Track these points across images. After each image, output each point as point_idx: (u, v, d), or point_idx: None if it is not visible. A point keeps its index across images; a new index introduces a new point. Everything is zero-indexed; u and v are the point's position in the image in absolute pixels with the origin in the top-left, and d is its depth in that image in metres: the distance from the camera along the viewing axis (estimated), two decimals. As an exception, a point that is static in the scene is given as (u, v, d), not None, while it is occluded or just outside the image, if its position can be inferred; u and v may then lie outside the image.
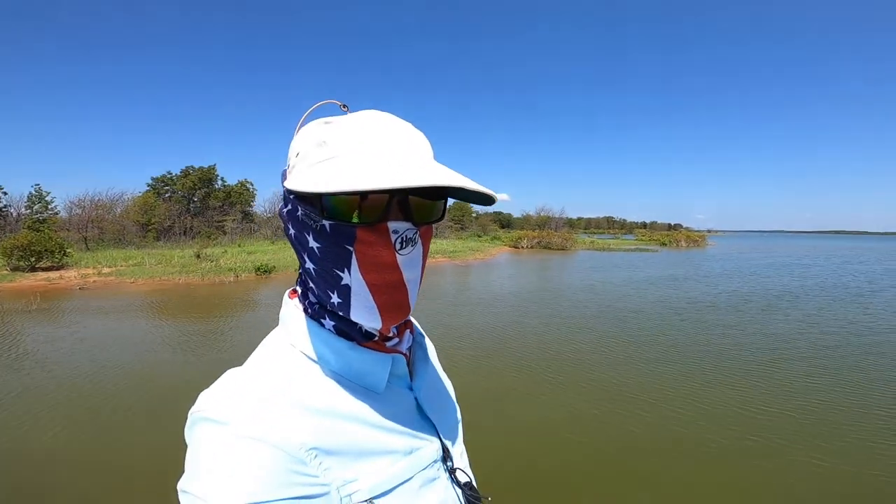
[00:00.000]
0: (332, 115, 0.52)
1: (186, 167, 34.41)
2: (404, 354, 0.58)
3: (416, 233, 0.49)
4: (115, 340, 7.21)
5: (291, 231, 0.53)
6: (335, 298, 0.50)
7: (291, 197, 0.51)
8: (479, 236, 43.04)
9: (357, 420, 0.50)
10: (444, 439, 0.59)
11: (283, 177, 0.53)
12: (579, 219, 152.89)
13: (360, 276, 0.48)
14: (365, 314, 0.49)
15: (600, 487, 3.38)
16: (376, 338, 0.54)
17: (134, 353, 6.51)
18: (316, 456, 0.45)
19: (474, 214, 52.76)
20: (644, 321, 9.01)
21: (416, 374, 0.60)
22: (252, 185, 38.12)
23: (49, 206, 26.91)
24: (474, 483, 0.61)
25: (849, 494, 3.30)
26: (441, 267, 20.10)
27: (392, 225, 0.47)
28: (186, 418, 0.46)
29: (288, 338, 0.54)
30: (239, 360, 0.52)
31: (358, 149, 0.47)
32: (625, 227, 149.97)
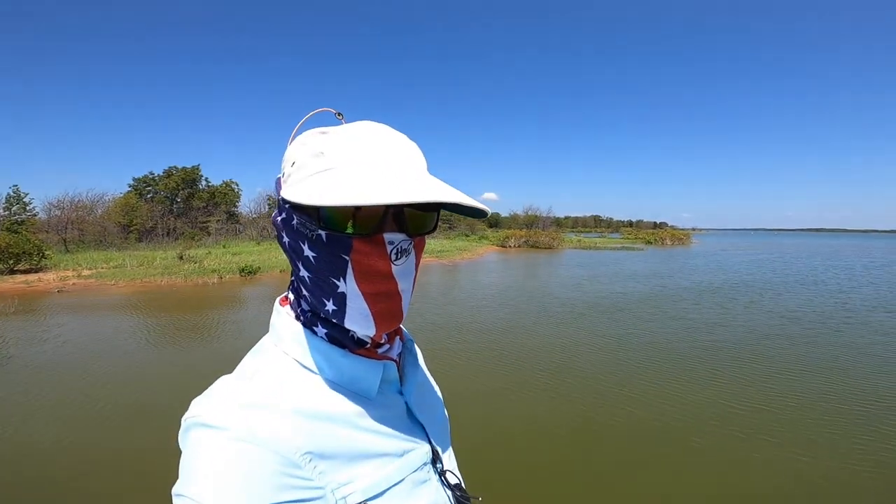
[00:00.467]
0: (326, 125, 0.53)
1: (169, 167, 33.88)
2: (394, 360, 0.59)
3: (410, 244, 0.51)
4: (93, 343, 7.10)
5: (286, 239, 0.53)
6: (330, 306, 0.51)
7: (287, 206, 0.51)
8: (467, 235, 43.08)
9: (350, 424, 0.51)
10: (433, 442, 0.60)
11: (278, 185, 0.54)
12: (566, 217, 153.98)
13: (356, 285, 0.49)
14: (359, 322, 0.50)
15: (592, 485, 3.43)
16: (368, 345, 0.56)
17: (114, 357, 6.41)
18: (311, 460, 0.45)
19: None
20: (627, 317, 9.13)
21: (406, 379, 0.61)
22: (237, 185, 37.66)
23: (27, 208, 26.30)
24: (463, 485, 0.63)
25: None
26: (428, 266, 20.09)
27: (388, 236, 0.48)
28: (168, 420, 0.46)
29: (280, 345, 0.55)
30: (222, 362, 0.52)
31: (356, 161, 0.47)
32: (611, 226, 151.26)
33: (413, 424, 0.59)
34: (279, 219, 0.54)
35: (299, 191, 0.46)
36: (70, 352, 6.65)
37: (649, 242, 45.03)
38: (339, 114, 0.56)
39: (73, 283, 13.50)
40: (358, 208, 0.47)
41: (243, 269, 15.49)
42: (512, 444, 3.96)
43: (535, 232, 40.48)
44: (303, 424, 0.47)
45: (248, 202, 37.73)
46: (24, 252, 15.10)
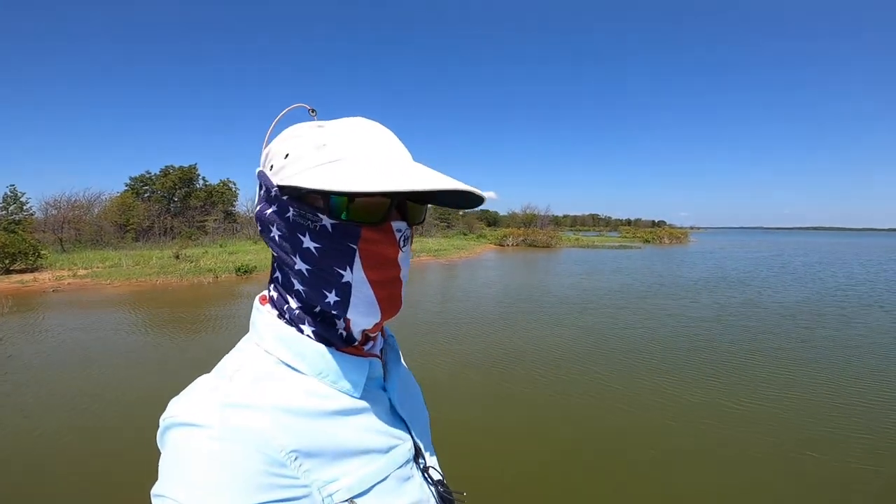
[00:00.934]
0: (292, 123, 0.54)
1: (166, 166, 33.74)
2: (378, 357, 0.59)
3: (410, 232, 0.54)
4: (86, 342, 7.08)
5: (276, 233, 0.52)
6: (332, 297, 0.51)
7: (284, 197, 0.51)
8: (465, 234, 43.05)
9: (335, 421, 0.51)
10: (416, 438, 0.61)
11: (265, 177, 0.53)
12: (565, 216, 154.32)
13: (363, 274, 0.50)
14: (364, 310, 0.51)
15: (583, 482, 3.43)
16: (357, 342, 0.56)
17: (107, 356, 6.39)
18: (296, 458, 0.45)
19: (461, 212, 52.72)
20: (623, 316, 9.15)
21: (389, 375, 0.61)
22: (234, 184, 37.46)
23: (24, 207, 26.24)
24: (445, 481, 0.63)
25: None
26: (426, 265, 20.09)
27: (395, 224, 0.50)
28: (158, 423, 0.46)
29: (261, 343, 0.54)
30: (216, 359, 0.51)
31: (362, 152, 0.49)
32: (609, 225, 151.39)
33: (396, 421, 0.59)
34: (269, 212, 0.52)
35: (312, 179, 0.46)
36: (62, 350, 6.63)
37: (647, 241, 45.07)
38: (312, 110, 0.56)
39: (69, 283, 13.46)
40: (365, 199, 0.48)
41: (239, 269, 15.44)
42: (507, 441, 3.97)
43: (533, 230, 40.45)
44: (287, 422, 0.46)
45: (246, 201, 37.50)
46: (19, 252, 15.01)
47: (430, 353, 6.47)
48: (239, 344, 0.56)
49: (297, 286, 0.53)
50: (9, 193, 25.82)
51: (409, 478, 0.55)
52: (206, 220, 32.36)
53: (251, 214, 36.28)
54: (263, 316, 0.55)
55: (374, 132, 0.52)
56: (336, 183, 0.44)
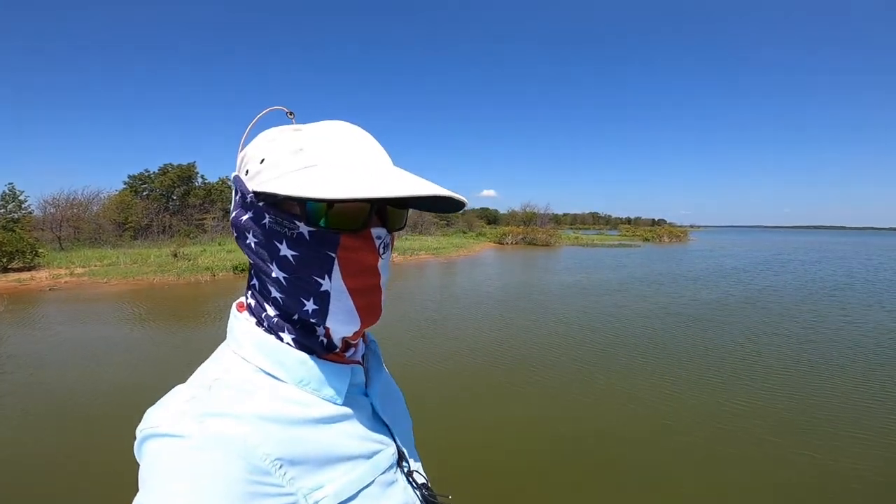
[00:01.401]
0: (270, 126, 0.53)
1: (165, 165, 33.66)
2: (359, 363, 0.59)
3: (390, 238, 0.53)
4: (81, 340, 7.07)
5: (252, 240, 0.51)
6: (310, 306, 0.50)
7: (260, 204, 0.49)
8: (465, 233, 43.02)
9: (317, 428, 0.50)
10: (399, 443, 0.60)
11: (240, 183, 0.52)
12: (565, 215, 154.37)
13: (342, 282, 0.49)
14: (343, 319, 0.50)
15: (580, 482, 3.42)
16: (338, 349, 0.55)
17: (101, 354, 6.39)
18: (280, 466, 0.44)
19: (461, 211, 52.50)
20: (624, 315, 9.15)
21: (371, 381, 0.61)
22: (231, 180, 37.51)
23: (23, 206, 26.23)
24: (430, 484, 0.63)
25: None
26: (425, 263, 20.08)
27: (375, 231, 0.49)
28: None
29: (239, 351, 0.52)
30: (199, 362, 0.51)
31: (339, 157, 0.48)
32: (609, 223, 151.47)
33: (379, 426, 0.59)
34: (244, 218, 0.51)
35: (287, 185, 0.44)
36: (59, 348, 6.62)
37: (647, 240, 45.05)
38: (290, 112, 0.54)
39: (66, 282, 13.45)
40: (344, 205, 0.47)
41: (237, 267, 15.45)
42: (502, 441, 3.95)
43: (532, 229, 40.41)
44: (269, 430, 0.45)
45: (245, 200, 37.26)
46: (17, 250, 15.02)
47: (427, 353, 6.47)
48: (216, 352, 0.55)
49: (275, 294, 0.52)
50: (7, 192, 25.85)
51: (393, 482, 0.55)
52: (204, 219, 32.31)
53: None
54: (241, 323, 0.54)
55: (353, 136, 0.51)
56: (312, 189, 0.42)
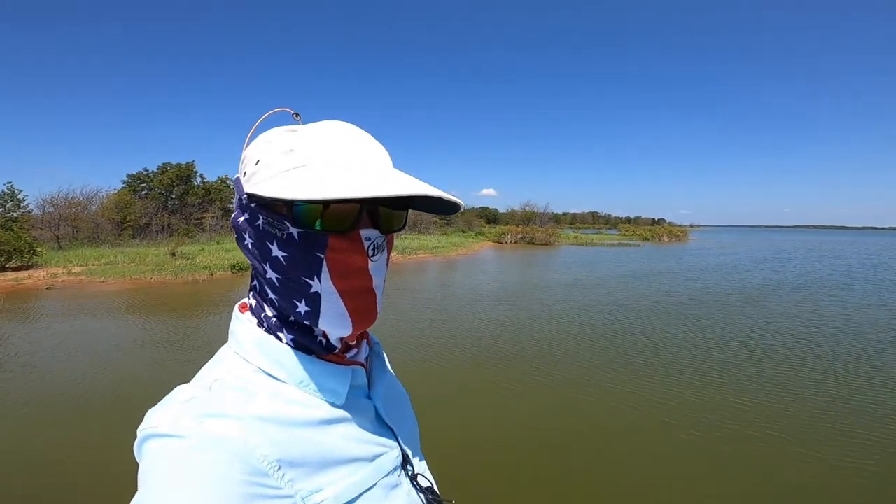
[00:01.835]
0: (284, 125, 0.53)
1: (164, 164, 33.62)
2: (362, 365, 0.58)
3: (384, 240, 0.51)
4: (78, 339, 7.03)
5: (248, 241, 0.52)
6: (302, 307, 0.49)
7: (253, 205, 0.50)
8: (464, 232, 43.00)
9: (318, 430, 0.49)
10: (403, 446, 0.60)
11: (239, 184, 0.52)
12: (565, 214, 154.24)
13: (331, 284, 0.48)
14: (335, 321, 0.49)
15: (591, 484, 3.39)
16: (337, 350, 0.55)
17: (97, 352, 6.36)
18: (279, 468, 0.44)
19: (460, 212, 52.48)
20: (624, 314, 9.13)
21: (374, 383, 0.60)
22: (232, 181, 37.51)
23: (21, 205, 26.18)
24: (435, 487, 0.62)
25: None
26: (423, 262, 20.05)
27: (364, 233, 0.48)
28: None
29: (240, 352, 0.52)
30: (206, 356, 0.51)
31: (328, 158, 0.47)
32: (609, 222, 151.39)
33: (382, 429, 0.58)
34: (241, 219, 0.52)
35: (273, 186, 0.45)
36: (53, 346, 6.58)
37: (646, 239, 45.00)
38: (296, 114, 0.54)
39: (63, 281, 13.41)
40: (332, 205, 0.46)
41: (234, 266, 15.41)
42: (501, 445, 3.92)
43: (531, 228, 40.36)
44: (268, 432, 0.45)
45: (244, 198, 37.27)
46: (14, 249, 14.98)
47: (424, 352, 6.45)
48: (218, 353, 0.55)
49: (271, 295, 0.52)
50: (6, 191, 25.75)
51: (396, 486, 0.55)
52: (203, 218, 32.27)
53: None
54: (243, 324, 0.54)
55: (348, 136, 0.50)
56: (296, 190, 0.42)
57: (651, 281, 14.39)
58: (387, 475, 0.54)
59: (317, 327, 0.51)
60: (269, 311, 0.53)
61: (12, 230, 17.77)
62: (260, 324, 0.54)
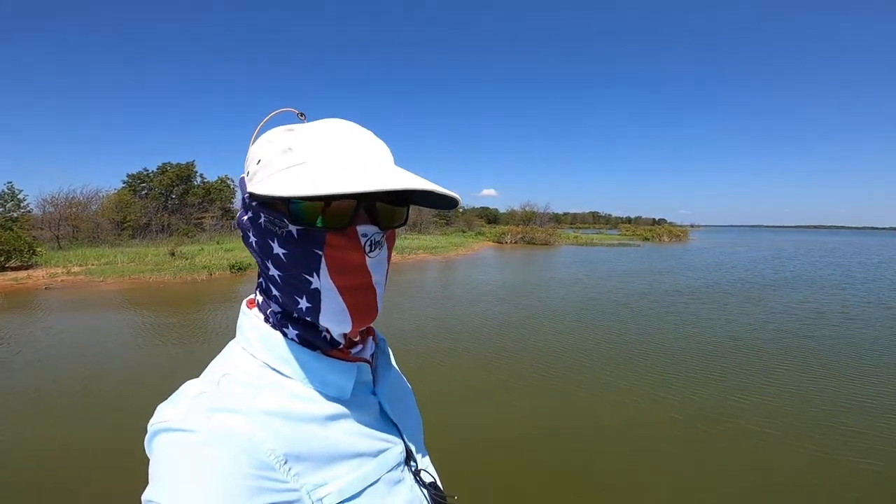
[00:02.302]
0: (291, 124, 0.53)
1: (164, 164, 33.62)
2: (368, 361, 0.59)
3: (382, 236, 0.51)
4: (75, 338, 7.04)
5: (252, 239, 0.52)
6: (304, 303, 0.50)
7: (254, 204, 0.51)
8: (464, 232, 43.00)
9: (324, 425, 0.50)
10: (407, 442, 0.60)
11: (243, 184, 0.53)
12: (565, 214, 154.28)
13: (330, 280, 0.49)
14: (335, 317, 0.50)
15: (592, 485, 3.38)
16: (342, 346, 0.55)
17: (95, 352, 6.37)
18: (285, 462, 0.45)
19: (461, 210, 52.62)
20: (624, 314, 9.13)
21: (379, 380, 0.61)
22: (233, 181, 37.48)
23: (21, 205, 26.19)
24: (439, 483, 0.62)
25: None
26: (423, 262, 20.06)
27: (361, 229, 0.49)
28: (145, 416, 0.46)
29: (248, 348, 0.53)
30: (205, 355, 0.53)
31: (325, 155, 0.48)
32: (610, 223, 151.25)
33: (387, 424, 0.59)
34: (245, 218, 0.53)
35: (269, 185, 0.46)
36: (47, 346, 6.59)
37: (646, 239, 44.97)
38: (301, 114, 0.54)
39: (62, 280, 13.42)
40: (329, 202, 0.47)
41: (233, 266, 15.41)
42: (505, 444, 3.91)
43: (531, 228, 40.36)
44: (275, 426, 0.46)
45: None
46: (14, 249, 14.99)
47: (424, 351, 6.44)
48: (226, 348, 0.56)
49: (275, 292, 0.53)
50: (6, 191, 25.76)
51: (399, 481, 0.55)
52: (203, 217, 32.29)
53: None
54: (250, 320, 0.55)
55: (346, 133, 0.51)
56: (291, 187, 0.43)
57: (651, 280, 14.39)
58: (390, 470, 0.54)
59: (318, 323, 0.51)
60: (274, 308, 0.54)
61: (12, 230, 17.78)
62: (266, 319, 0.54)
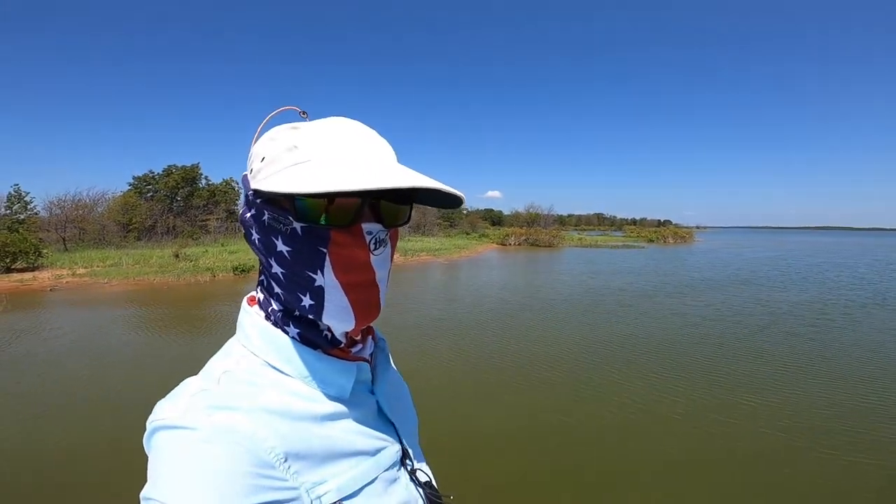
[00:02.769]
0: (294, 122, 0.53)
1: (169, 166, 33.83)
2: (367, 360, 0.59)
3: (387, 234, 0.52)
4: (75, 338, 7.07)
5: (255, 236, 0.52)
6: (307, 301, 0.50)
7: (258, 201, 0.51)
8: (468, 234, 42.96)
9: (322, 424, 0.50)
10: (403, 441, 0.60)
11: (246, 182, 0.53)
12: (570, 216, 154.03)
13: (334, 277, 0.49)
14: (338, 315, 0.50)
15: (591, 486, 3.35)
16: (343, 344, 0.55)
17: (94, 351, 6.38)
18: (285, 460, 0.45)
19: (464, 211, 52.61)
20: (624, 314, 9.08)
21: (378, 379, 0.61)
22: (237, 183, 37.54)
23: (28, 207, 26.39)
24: (434, 482, 0.63)
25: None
26: (426, 264, 20.05)
27: (366, 226, 0.49)
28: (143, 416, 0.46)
29: (248, 345, 0.53)
30: (204, 354, 0.52)
31: (330, 153, 0.48)
32: (615, 224, 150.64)
33: (384, 423, 0.59)
34: (248, 215, 0.53)
35: (275, 182, 0.46)
36: (51, 347, 6.62)
37: (651, 241, 44.78)
38: (303, 112, 0.54)
39: (67, 282, 13.51)
40: (334, 200, 0.47)
41: (237, 268, 15.47)
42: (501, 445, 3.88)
43: (535, 230, 40.28)
44: (274, 424, 0.46)
45: (248, 201, 37.45)
46: (20, 251, 15.11)
47: (424, 350, 6.43)
48: (226, 346, 0.55)
49: (277, 289, 0.53)
50: (13, 193, 25.98)
51: (395, 480, 0.55)
52: (208, 219, 32.45)
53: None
54: (251, 317, 0.55)
55: (350, 132, 0.51)
56: (296, 185, 0.43)
57: (656, 281, 14.30)
58: (387, 469, 0.55)
59: (321, 321, 0.51)
60: (275, 305, 0.54)
61: (18, 232, 17.93)
62: (267, 317, 0.54)
